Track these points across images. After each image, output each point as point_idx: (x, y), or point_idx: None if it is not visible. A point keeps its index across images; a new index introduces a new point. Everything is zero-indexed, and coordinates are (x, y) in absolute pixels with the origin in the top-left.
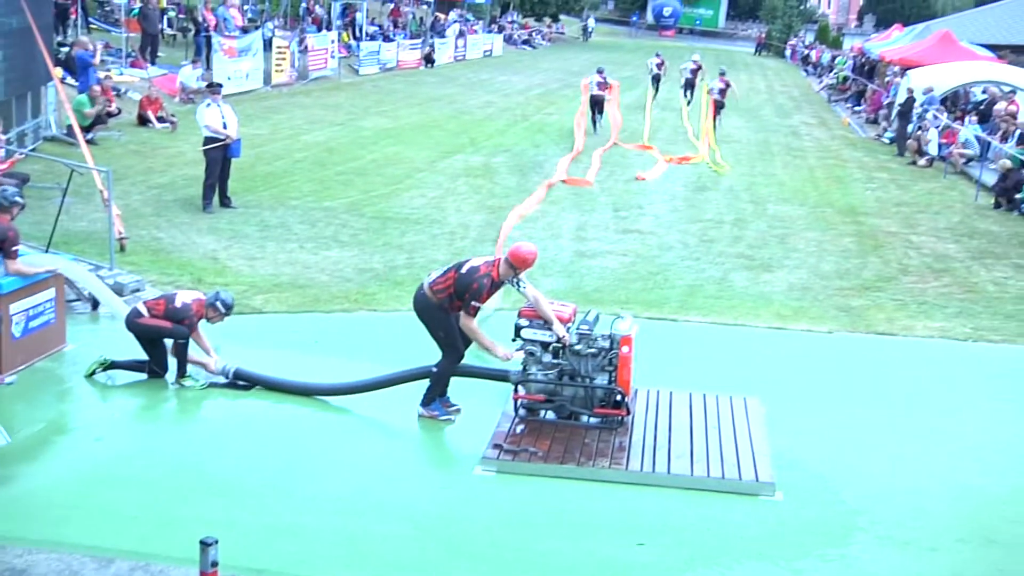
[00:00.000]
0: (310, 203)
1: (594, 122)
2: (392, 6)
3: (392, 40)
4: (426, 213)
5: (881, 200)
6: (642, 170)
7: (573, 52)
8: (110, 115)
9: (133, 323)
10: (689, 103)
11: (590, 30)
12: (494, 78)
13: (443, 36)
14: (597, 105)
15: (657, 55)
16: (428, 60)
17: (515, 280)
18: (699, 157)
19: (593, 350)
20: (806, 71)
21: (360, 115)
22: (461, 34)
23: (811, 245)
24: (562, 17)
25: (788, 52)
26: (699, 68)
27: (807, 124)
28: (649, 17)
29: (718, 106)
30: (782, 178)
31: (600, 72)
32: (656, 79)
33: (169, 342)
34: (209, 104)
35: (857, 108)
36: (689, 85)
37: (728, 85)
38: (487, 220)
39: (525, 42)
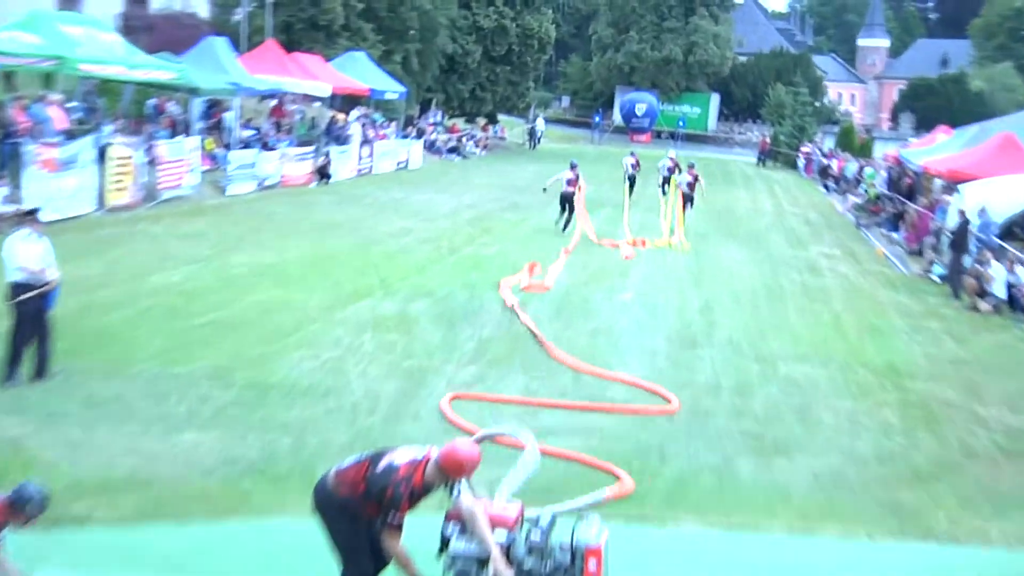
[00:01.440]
0: (159, 368)
1: (566, 223)
2: (274, 103)
3: (274, 148)
4: (320, 380)
5: (932, 357)
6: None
7: (517, 162)
8: None
9: None
10: (668, 201)
11: (539, 134)
12: (411, 197)
13: (343, 143)
14: (566, 202)
15: (632, 154)
16: (322, 174)
17: (449, 486)
18: (663, 241)
19: (548, 568)
20: (826, 187)
21: (230, 247)
22: (367, 140)
23: (840, 419)
24: (502, 118)
25: (801, 162)
26: (676, 166)
27: (829, 256)
28: (617, 117)
29: (686, 199)
30: (798, 328)
31: (573, 167)
32: (632, 180)
33: None
34: (23, 236)
35: (895, 235)
36: (667, 182)
37: (696, 179)
38: (403, 389)
39: (453, 150)
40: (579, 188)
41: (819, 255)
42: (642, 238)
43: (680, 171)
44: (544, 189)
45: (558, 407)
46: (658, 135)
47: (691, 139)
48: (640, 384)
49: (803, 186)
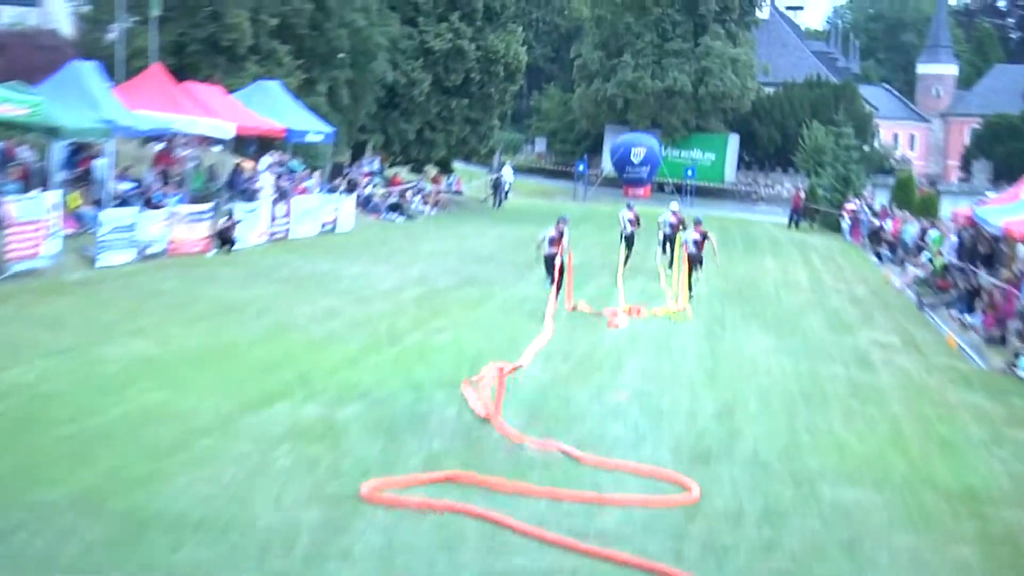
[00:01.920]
0: (6, 495)
1: (558, 287)
2: (160, 147)
3: (159, 206)
4: (217, 509)
5: (1020, 478)
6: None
7: (477, 224)
8: None
9: None
10: (670, 264)
11: (506, 187)
12: (341, 270)
13: (250, 198)
14: (551, 267)
15: (629, 207)
16: (224, 240)
17: None
18: (663, 310)
19: None
20: (878, 255)
21: (100, 337)
22: (282, 195)
23: (902, 559)
24: (457, 167)
25: (846, 223)
26: (681, 222)
27: (884, 345)
28: (607, 165)
29: (693, 261)
30: (845, 439)
31: (561, 221)
32: (629, 240)
33: None
34: None
35: (969, 318)
36: (669, 241)
37: (705, 236)
38: (328, 519)
39: (394, 208)
40: (564, 248)
41: (871, 343)
42: (637, 305)
43: (685, 228)
44: (537, 247)
45: (529, 535)
46: (660, 188)
47: (703, 193)
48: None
49: (848, 254)
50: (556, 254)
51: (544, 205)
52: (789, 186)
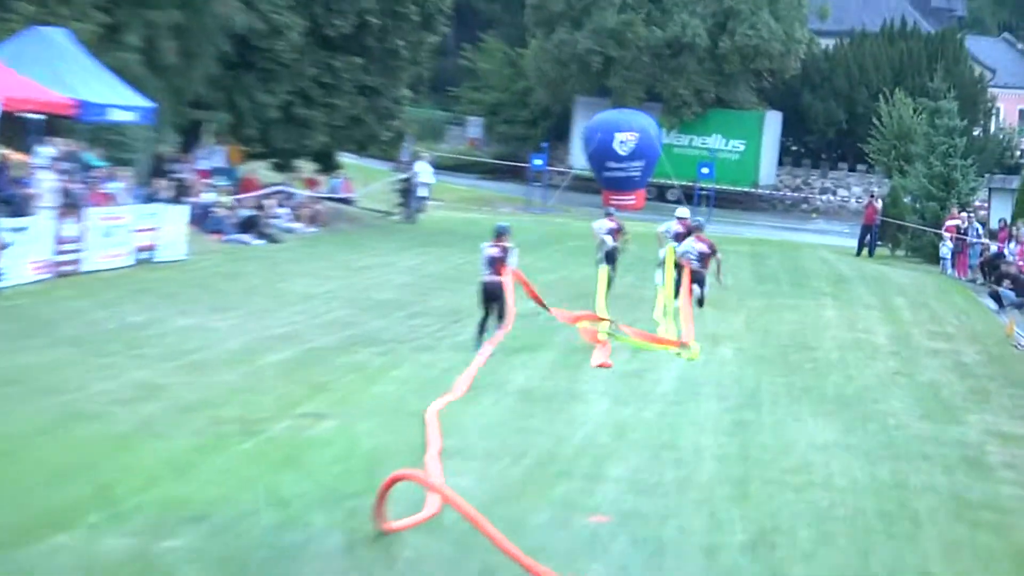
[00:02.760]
0: None
1: (482, 328)
2: None
3: None
4: None
5: None
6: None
7: (379, 248)
8: None
9: None
10: (676, 290)
11: (421, 192)
12: (164, 322)
13: (20, 211)
14: (491, 300)
15: (609, 215)
16: None
17: None
18: (662, 341)
19: None
20: (995, 296)
21: None
22: (71, 205)
23: None
24: (346, 161)
25: (946, 247)
26: (689, 232)
27: (1005, 438)
28: (578, 158)
29: (695, 279)
30: None
31: (501, 234)
32: (610, 256)
33: None
34: None
35: None
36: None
37: (713, 251)
38: None
39: (248, 226)
40: (507, 269)
41: (986, 435)
42: (634, 329)
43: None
44: (482, 283)
45: None
46: (659, 195)
47: (727, 201)
48: None
49: (950, 295)
50: (498, 282)
51: (483, 220)
52: (859, 191)
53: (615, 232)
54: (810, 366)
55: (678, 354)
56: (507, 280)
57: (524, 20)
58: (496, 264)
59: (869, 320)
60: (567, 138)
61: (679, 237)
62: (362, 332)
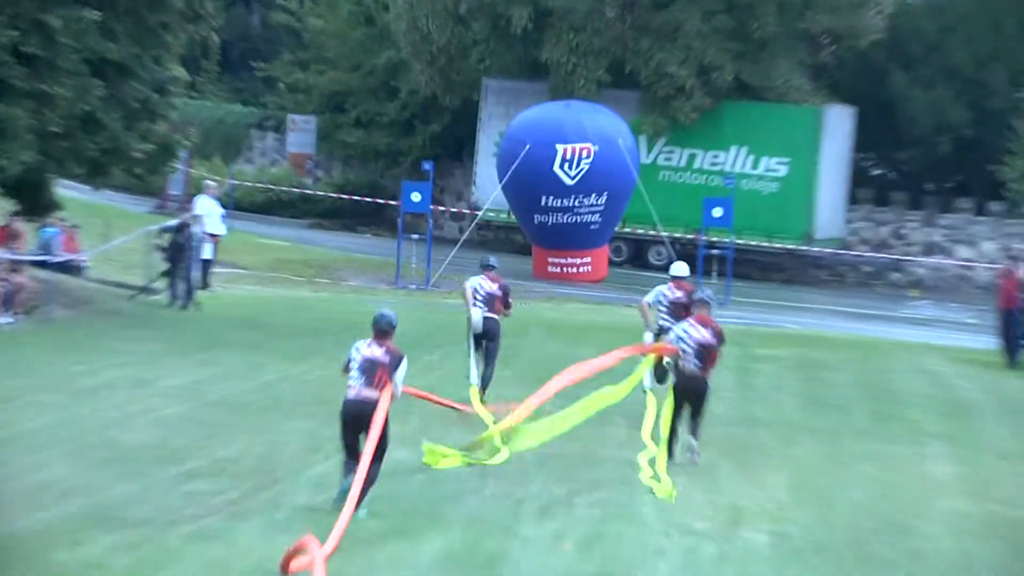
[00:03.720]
0: None
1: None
2: None
3: None
4: None
5: None
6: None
7: (129, 351)
8: None
9: None
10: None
11: (198, 250)
12: None
13: None
14: (352, 424)
15: (488, 269)
16: None
17: None
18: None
19: None
20: None
21: None
22: None
23: None
24: (69, 195)
25: None
26: (692, 302)
27: None
28: (488, 188)
29: (688, 391)
30: None
31: (382, 323)
32: (489, 334)
33: None
34: None
35: None
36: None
37: (720, 338)
38: None
39: None
40: (384, 382)
41: None
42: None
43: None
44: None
45: None
46: (636, 255)
47: (755, 267)
48: None
49: None
50: (371, 401)
51: (319, 302)
52: (993, 249)
53: (495, 299)
54: (909, 566)
55: (650, 490)
56: (383, 401)
57: None
58: (372, 375)
59: (1014, 483)
60: (468, 154)
61: (676, 310)
62: (95, 505)
